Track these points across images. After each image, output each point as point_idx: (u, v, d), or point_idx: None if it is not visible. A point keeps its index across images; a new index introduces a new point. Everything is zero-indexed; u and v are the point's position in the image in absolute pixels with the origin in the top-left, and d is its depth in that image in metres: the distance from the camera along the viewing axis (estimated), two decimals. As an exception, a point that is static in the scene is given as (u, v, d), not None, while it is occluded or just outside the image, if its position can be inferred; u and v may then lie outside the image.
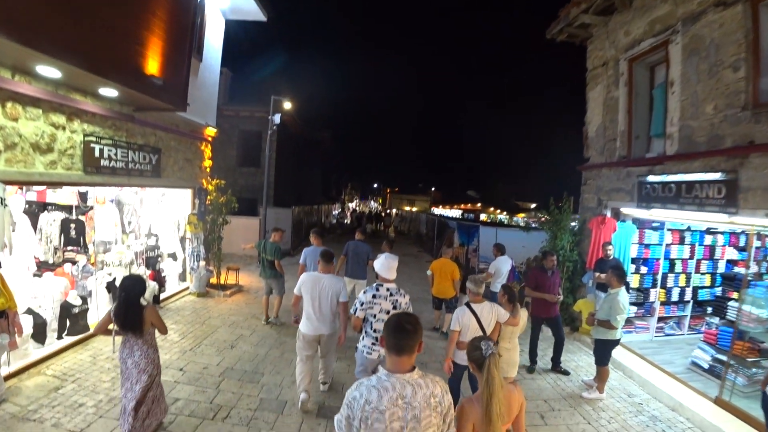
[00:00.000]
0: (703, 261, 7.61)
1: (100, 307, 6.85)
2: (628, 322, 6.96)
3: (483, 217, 59.96)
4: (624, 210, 7.09)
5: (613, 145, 7.27)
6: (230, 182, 16.38)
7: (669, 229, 7.27)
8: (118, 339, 3.64)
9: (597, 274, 6.71)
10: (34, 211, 7.54)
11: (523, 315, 4.54)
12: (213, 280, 8.76)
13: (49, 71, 4.52)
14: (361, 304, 3.78)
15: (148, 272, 7.38)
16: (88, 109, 5.52)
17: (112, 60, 4.75)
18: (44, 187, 6.31)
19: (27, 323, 5.14)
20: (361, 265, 7.19)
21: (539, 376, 5.96)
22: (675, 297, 7.44)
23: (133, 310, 3.34)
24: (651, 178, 6.15)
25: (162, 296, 7.82)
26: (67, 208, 7.51)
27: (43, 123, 4.93)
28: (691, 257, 7.49)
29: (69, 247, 7.60)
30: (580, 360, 6.60)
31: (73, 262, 7.17)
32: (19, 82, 4.53)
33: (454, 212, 64.08)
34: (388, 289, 3.81)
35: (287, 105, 12.74)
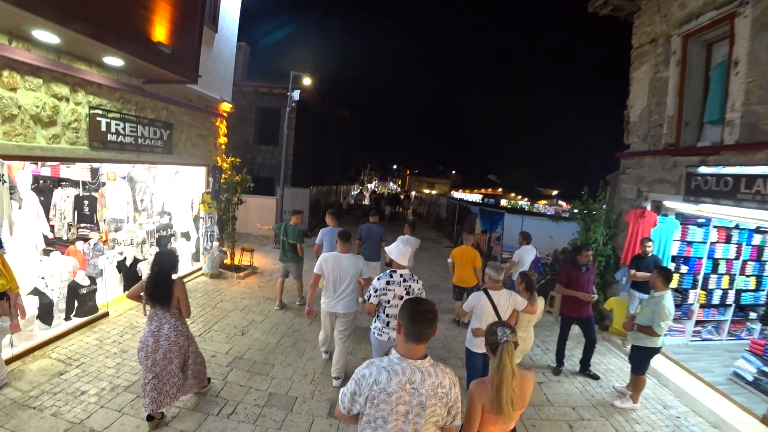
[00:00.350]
0: (749, 262, 6.98)
1: (110, 288, 6.71)
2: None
3: (504, 202, 58.91)
4: (667, 203, 6.48)
5: (659, 132, 6.61)
6: (247, 160, 16.17)
7: (715, 227, 6.65)
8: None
9: (633, 271, 6.19)
10: (49, 186, 7.43)
11: (540, 303, 4.41)
12: (227, 261, 8.55)
13: (47, 36, 4.18)
14: (375, 291, 3.78)
15: (159, 252, 7.15)
16: (94, 80, 5.19)
17: (116, 25, 4.38)
18: (55, 162, 6.11)
19: (33, 304, 4.97)
20: (374, 247, 7.18)
21: (566, 378, 5.54)
22: (716, 300, 6.87)
23: (164, 283, 3.42)
24: (703, 170, 5.53)
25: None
26: (79, 185, 7.39)
27: (44, 94, 4.63)
28: (737, 257, 6.86)
29: (82, 224, 7.50)
30: (609, 363, 6.15)
31: (86, 240, 7.02)
32: (16, 49, 4.20)
33: (474, 196, 63.09)
34: (401, 275, 3.81)
35: (306, 81, 12.24)
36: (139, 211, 7.79)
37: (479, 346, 4.02)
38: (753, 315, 6.85)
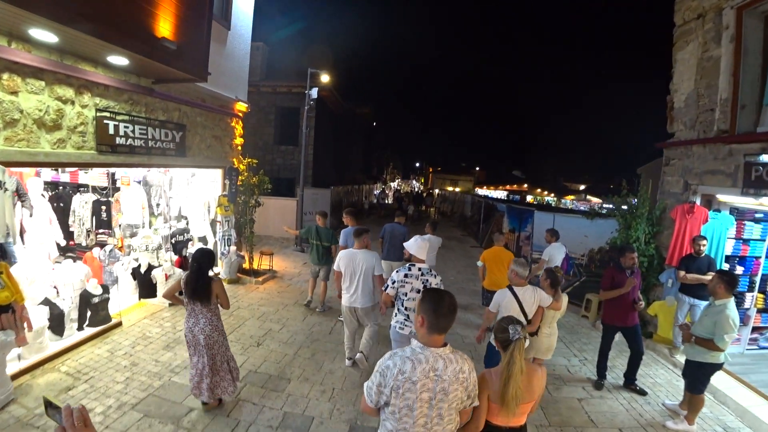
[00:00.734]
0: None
1: (125, 295, 6.56)
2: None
3: (529, 198, 57.47)
4: (721, 197, 5.83)
5: (710, 117, 5.95)
6: (268, 161, 16.07)
7: (777, 221, 5.95)
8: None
9: (683, 273, 5.57)
10: (69, 192, 7.38)
11: (564, 300, 4.36)
12: (245, 266, 8.32)
13: (47, 36, 3.96)
14: (393, 282, 3.88)
15: (175, 258, 6.97)
16: (100, 81, 4.99)
17: (116, 21, 4.12)
18: (61, 167, 5.98)
19: (43, 314, 4.81)
20: (397, 246, 6.97)
21: (609, 394, 5.00)
22: (777, 303, 6.15)
23: (203, 279, 3.57)
24: (765, 158, 4.88)
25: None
26: (96, 190, 7.30)
27: (47, 97, 4.43)
28: (801, 255, 6.13)
29: (101, 230, 7.41)
30: (656, 375, 5.56)
31: (103, 246, 6.91)
32: (16, 50, 4.01)
33: (499, 193, 61.83)
34: (419, 269, 3.90)
35: (325, 78, 11.95)
36: (155, 216, 7.65)
37: None
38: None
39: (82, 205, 7.31)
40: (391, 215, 7.37)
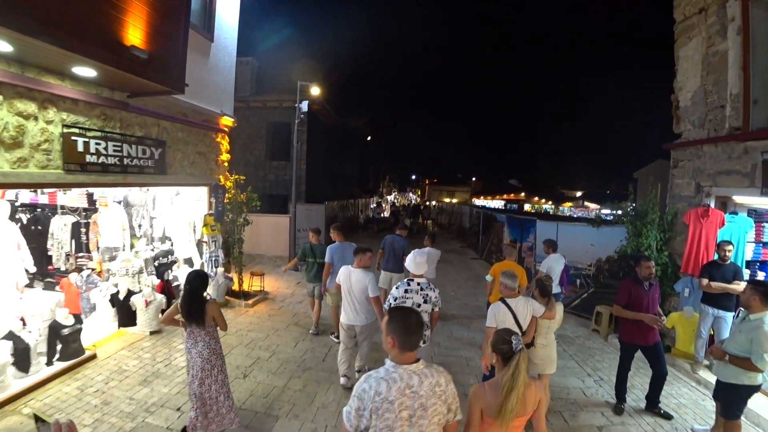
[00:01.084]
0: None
1: (103, 323, 6.10)
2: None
3: (527, 207, 57.21)
4: (738, 198, 5.47)
5: (720, 114, 5.62)
6: (260, 177, 15.71)
7: (798, 222, 5.58)
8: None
9: (705, 281, 5.13)
10: (47, 214, 6.97)
11: (559, 309, 4.24)
12: (234, 287, 7.87)
13: (2, 45, 3.59)
14: (395, 299, 3.92)
15: (156, 282, 6.52)
16: (67, 95, 4.62)
17: (78, 28, 3.77)
18: (22, 189, 5.57)
19: (6, 350, 4.35)
20: (397, 258, 7.16)
21: (630, 419, 4.54)
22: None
23: (196, 302, 3.52)
24: (786, 155, 4.54)
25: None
26: (74, 211, 6.91)
27: (6, 112, 4.06)
28: (827, 258, 5.74)
29: (81, 254, 6.98)
30: (680, 395, 5.10)
31: (81, 270, 6.49)
32: (-34, 61, 3.64)
33: (496, 202, 61.59)
34: (419, 284, 3.99)
35: (315, 91, 11.65)
36: (137, 237, 7.23)
37: None
38: None
39: (60, 228, 6.90)
40: (388, 230, 7.22)
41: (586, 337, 7.07)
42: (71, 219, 6.79)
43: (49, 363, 4.86)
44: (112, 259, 6.67)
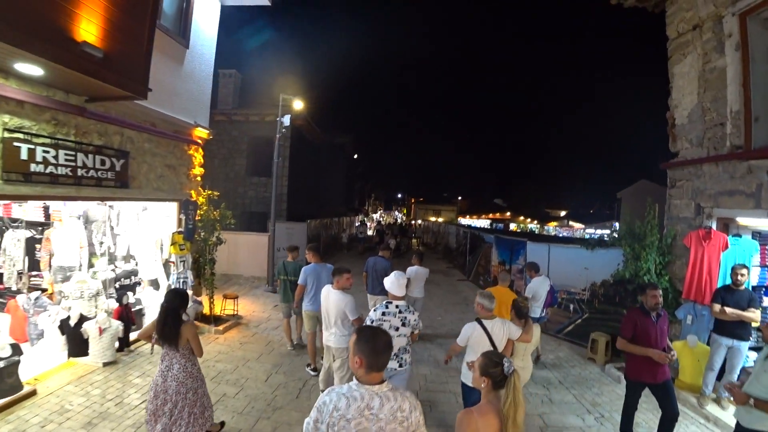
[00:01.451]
0: None
1: (51, 353, 5.42)
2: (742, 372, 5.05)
3: (513, 226, 57.39)
4: (742, 220, 5.18)
5: (720, 132, 5.38)
6: (239, 194, 15.13)
7: (805, 246, 5.30)
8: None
9: (718, 307, 4.73)
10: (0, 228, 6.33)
11: (536, 331, 4.26)
12: (205, 311, 7.24)
13: None
14: (372, 322, 3.79)
15: (114, 307, 5.89)
16: (10, 96, 4.10)
17: (18, 17, 3.28)
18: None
19: None
20: (380, 281, 6.58)
21: (640, 463, 4.07)
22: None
23: (172, 323, 3.36)
24: (795, 175, 4.26)
25: (135, 335, 6.32)
26: (30, 225, 6.28)
27: (-71, 112, 3.51)
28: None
29: (35, 272, 6.33)
30: (688, 432, 4.67)
31: (33, 289, 5.85)
32: None
33: (482, 222, 61.67)
34: (397, 306, 3.86)
35: (298, 105, 11.26)
36: (98, 256, 6.61)
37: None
38: None
39: (14, 243, 6.26)
40: (372, 250, 6.94)
41: (582, 366, 6.62)
42: (25, 234, 6.17)
43: (-23, 403, 4.19)
44: (66, 279, 6.01)
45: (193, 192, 7.33)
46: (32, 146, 4.33)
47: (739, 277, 4.64)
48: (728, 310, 4.61)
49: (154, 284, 7.05)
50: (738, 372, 4.96)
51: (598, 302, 7.25)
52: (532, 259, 8.32)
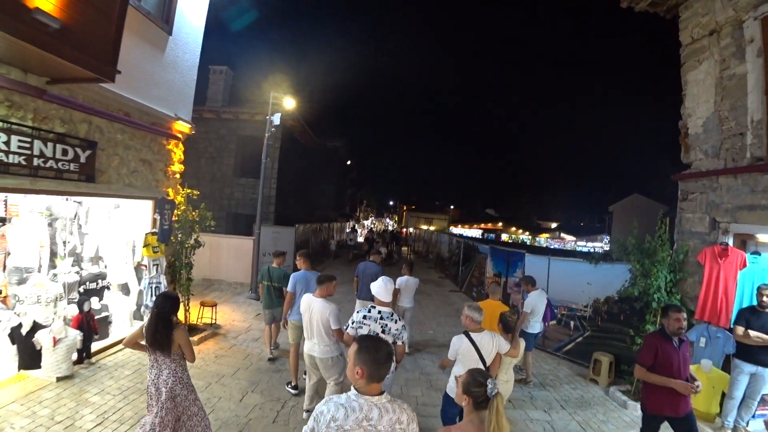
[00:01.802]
0: None
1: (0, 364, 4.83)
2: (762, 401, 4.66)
3: (504, 237, 57.23)
4: (762, 237, 4.80)
5: (739, 143, 5.02)
6: (226, 195, 14.56)
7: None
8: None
9: (742, 330, 4.34)
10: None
11: (522, 343, 4.23)
12: (180, 319, 6.65)
13: None
14: (352, 323, 3.84)
15: (72, 315, 5.32)
16: (-47, 72, 3.56)
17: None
18: None
19: None
20: (369, 285, 6.09)
21: (657, 507, 3.61)
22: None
23: (163, 327, 3.25)
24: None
25: (99, 345, 5.74)
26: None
27: None
28: None
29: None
30: (706, 469, 4.23)
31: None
32: None
33: (474, 231, 61.43)
34: (379, 312, 3.82)
35: (289, 103, 10.76)
36: (62, 257, 6.02)
37: None
38: None
39: (-35, 243, 5.68)
40: (361, 258, 6.66)
41: (583, 388, 6.18)
42: (-20, 232, 5.58)
43: None
44: (23, 282, 5.42)
45: (170, 190, 6.78)
46: (-23, 130, 3.79)
47: (765, 299, 4.27)
48: (753, 333, 4.22)
49: (124, 289, 6.47)
50: (758, 400, 4.57)
51: (601, 320, 6.82)
52: (530, 272, 7.90)
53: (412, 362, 6.72)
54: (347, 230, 24.61)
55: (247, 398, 4.94)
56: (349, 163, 32.30)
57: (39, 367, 4.90)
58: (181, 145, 7.06)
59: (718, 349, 5.11)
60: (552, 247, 43.96)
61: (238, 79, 15.75)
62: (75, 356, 5.17)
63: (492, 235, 56.90)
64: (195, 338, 6.43)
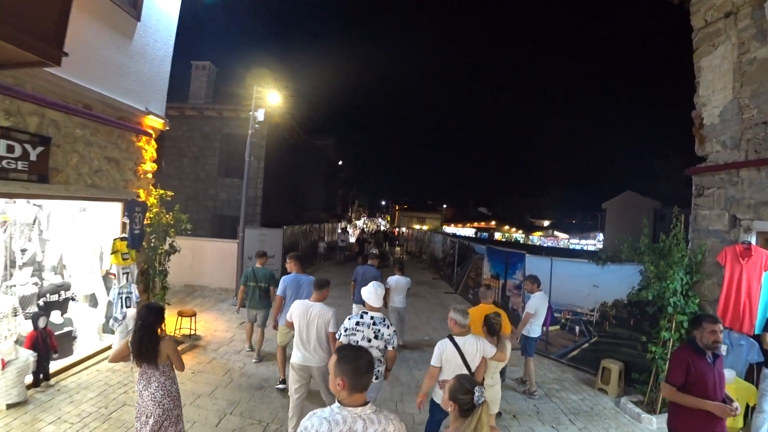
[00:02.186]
0: None
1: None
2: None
3: (498, 235, 56.99)
4: (791, 235, 4.39)
5: (762, 132, 4.60)
6: (210, 196, 13.94)
7: None
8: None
9: None
10: None
11: (508, 346, 4.09)
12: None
13: None
14: (345, 330, 3.76)
15: (26, 333, 4.75)
16: None
17: None
18: None
19: None
20: None
21: None
22: None
23: (148, 340, 3.17)
24: None
25: (61, 364, 5.16)
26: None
27: None
28: None
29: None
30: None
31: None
32: None
33: (467, 230, 61.14)
34: (372, 317, 3.78)
35: (275, 98, 10.20)
36: (20, 267, 5.43)
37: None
38: None
39: None
40: (353, 260, 6.44)
41: (592, 399, 5.75)
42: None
43: None
44: (-30, 296, 4.84)
45: (142, 191, 6.21)
46: None
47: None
48: None
49: (91, 300, 5.90)
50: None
51: (608, 325, 6.39)
52: (532, 273, 7.46)
53: (407, 372, 6.27)
54: (338, 231, 24.07)
55: (225, 422, 4.41)
56: (340, 163, 31.77)
57: (-15, 392, 4.33)
58: (153, 142, 6.48)
59: (741, 358, 4.68)
60: (546, 245, 43.73)
61: (223, 75, 15.11)
62: (30, 379, 4.60)
63: (485, 234, 56.67)
64: (170, 353, 5.88)
